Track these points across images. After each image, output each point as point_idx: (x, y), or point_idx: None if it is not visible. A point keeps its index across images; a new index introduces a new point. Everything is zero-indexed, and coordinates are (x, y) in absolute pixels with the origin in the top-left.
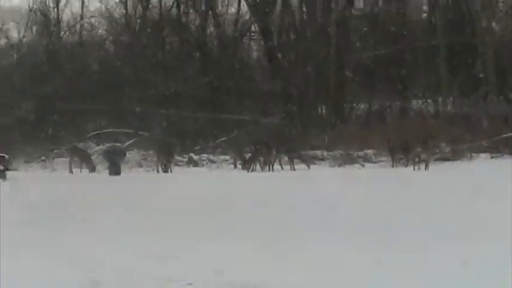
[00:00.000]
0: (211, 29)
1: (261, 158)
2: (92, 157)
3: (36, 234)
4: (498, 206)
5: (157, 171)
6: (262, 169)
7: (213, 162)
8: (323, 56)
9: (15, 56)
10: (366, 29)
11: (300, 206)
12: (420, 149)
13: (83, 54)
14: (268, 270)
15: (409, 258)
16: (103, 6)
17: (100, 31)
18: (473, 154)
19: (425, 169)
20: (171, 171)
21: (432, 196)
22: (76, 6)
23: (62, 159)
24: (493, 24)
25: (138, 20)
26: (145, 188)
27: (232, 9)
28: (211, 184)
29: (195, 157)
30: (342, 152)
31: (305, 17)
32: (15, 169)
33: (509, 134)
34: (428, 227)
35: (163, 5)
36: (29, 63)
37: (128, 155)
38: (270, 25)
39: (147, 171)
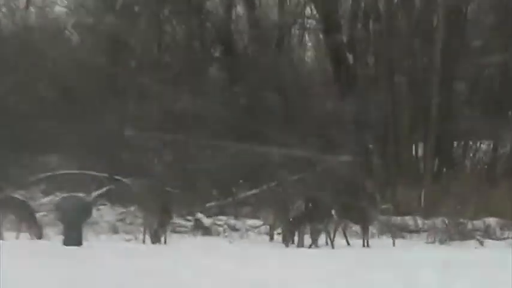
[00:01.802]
0: None
1: (315, 224)
2: (37, 214)
3: None
4: None
5: (143, 241)
6: (315, 243)
7: (234, 229)
8: (420, 64)
9: None
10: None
11: None
12: None
13: None
14: None
15: None
16: None
17: None
18: None
19: None
20: (165, 241)
21: None
22: None
23: None
24: None
25: None
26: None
27: None
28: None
29: (206, 220)
30: (446, 219)
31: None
32: None
33: None
34: None
35: None
36: None
37: (95, 212)
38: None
39: (127, 240)
